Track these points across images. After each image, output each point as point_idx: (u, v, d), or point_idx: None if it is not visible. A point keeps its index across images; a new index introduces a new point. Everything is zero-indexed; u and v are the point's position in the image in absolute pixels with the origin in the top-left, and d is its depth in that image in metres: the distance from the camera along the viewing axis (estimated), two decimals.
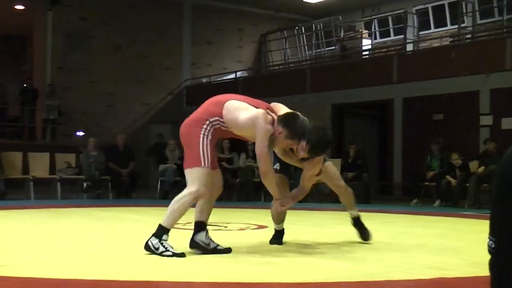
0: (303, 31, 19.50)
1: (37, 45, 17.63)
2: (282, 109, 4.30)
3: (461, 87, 12.45)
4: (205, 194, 4.08)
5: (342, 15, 18.61)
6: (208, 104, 4.19)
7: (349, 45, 18.37)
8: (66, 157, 12.28)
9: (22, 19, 18.40)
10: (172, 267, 3.62)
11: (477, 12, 15.61)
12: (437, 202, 10.95)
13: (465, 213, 9.17)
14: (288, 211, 4.87)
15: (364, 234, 4.85)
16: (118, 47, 17.63)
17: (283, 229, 4.91)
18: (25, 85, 17.31)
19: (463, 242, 5.41)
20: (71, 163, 12.15)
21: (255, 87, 16.14)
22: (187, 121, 4.17)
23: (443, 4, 17.01)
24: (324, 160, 4.58)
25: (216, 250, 4.18)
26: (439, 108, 12.95)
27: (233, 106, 4.09)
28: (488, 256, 2.03)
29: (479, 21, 15.69)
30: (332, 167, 4.75)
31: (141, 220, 7.05)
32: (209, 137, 4.06)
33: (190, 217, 4.36)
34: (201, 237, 4.17)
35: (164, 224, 4.01)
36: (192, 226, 4.32)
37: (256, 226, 6.42)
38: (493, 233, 2.02)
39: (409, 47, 15.88)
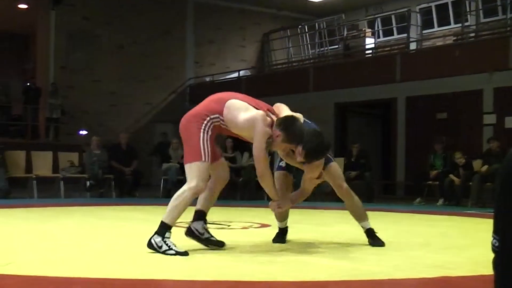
0: (306, 30, 19.49)
1: (40, 44, 17.66)
2: (284, 110, 4.27)
3: (465, 86, 12.44)
4: (204, 190, 4.11)
5: (346, 14, 18.62)
6: (209, 101, 4.20)
7: (352, 44, 18.37)
8: (69, 156, 12.30)
9: (25, 18, 18.44)
10: (175, 265, 3.62)
11: (481, 11, 15.59)
12: (441, 201, 10.94)
13: (468, 212, 9.16)
14: (291, 210, 4.87)
15: (376, 245, 4.61)
16: (120, 46, 17.65)
17: (287, 227, 4.90)
18: (28, 84, 17.35)
19: (467, 241, 5.40)
20: (74, 162, 12.17)
21: (258, 86, 16.15)
22: (187, 115, 4.18)
23: (447, 3, 16.99)
24: (330, 161, 4.55)
25: (209, 240, 4.27)
26: (443, 107, 12.94)
27: (233, 106, 4.09)
28: (492, 255, 2.02)
29: (482, 20, 15.68)
30: (335, 167, 4.63)
31: (144, 219, 7.05)
32: (209, 133, 4.07)
33: (192, 215, 4.38)
34: (197, 226, 4.26)
35: (166, 221, 4.02)
36: None
37: (259, 225, 6.42)
38: (496, 231, 2.01)
39: (413, 46, 15.87)
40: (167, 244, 3.95)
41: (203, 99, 4.31)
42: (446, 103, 12.85)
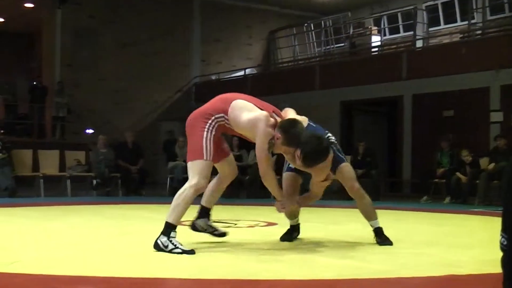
0: (312, 28, 19.46)
1: (46, 43, 17.70)
2: (289, 114, 4.29)
3: (471, 84, 12.39)
4: (205, 188, 4.21)
5: (351, 12, 18.58)
6: (216, 100, 4.24)
7: (358, 41, 18.33)
8: (76, 154, 12.33)
9: (31, 17, 18.48)
10: (181, 264, 3.63)
11: (487, 8, 15.53)
12: (447, 199, 10.91)
13: (475, 210, 9.13)
14: (301, 208, 4.85)
15: (383, 244, 4.57)
16: (126, 44, 17.66)
17: (299, 224, 4.89)
18: (34, 82, 17.37)
19: (474, 239, 5.38)
20: (81, 160, 12.20)
21: (264, 84, 16.14)
22: (194, 113, 4.23)
23: (453, 0, 16.93)
24: (342, 161, 4.52)
25: (213, 233, 4.54)
26: (449, 104, 12.89)
27: (238, 106, 4.12)
28: (500, 253, 2.01)
29: (489, 17, 15.61)
30: (347, 168, 4.58)
31: (150, 217, 7.05)
32: (213, 132, 4.10)
33: (195, 214, 4.43)
34: (201, 222, 4.50)
35: (170, 220, 4.03)
36: None
37: (266, 223, 6.41)
38: (505, 229, 2.00)
39: (419, 44, 15.82)
40: (173, 243, 3.96)
41: (209, 97, 4.32)
42: (452, 100, 12.81)
